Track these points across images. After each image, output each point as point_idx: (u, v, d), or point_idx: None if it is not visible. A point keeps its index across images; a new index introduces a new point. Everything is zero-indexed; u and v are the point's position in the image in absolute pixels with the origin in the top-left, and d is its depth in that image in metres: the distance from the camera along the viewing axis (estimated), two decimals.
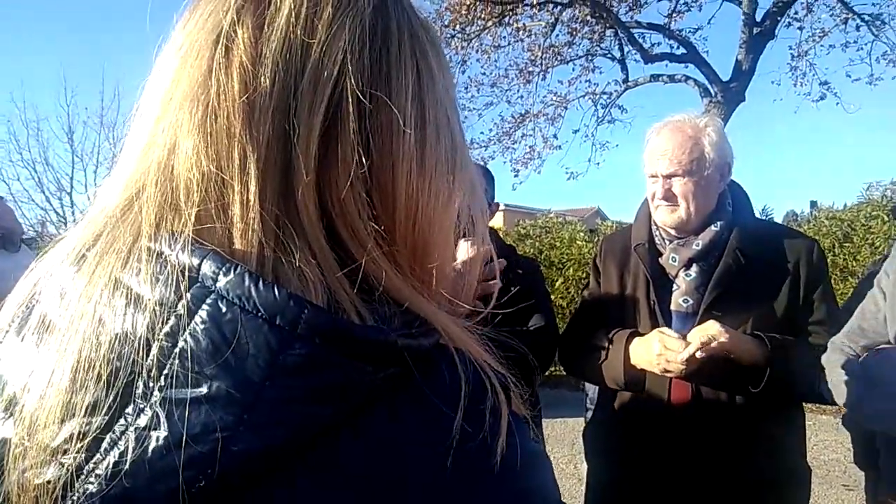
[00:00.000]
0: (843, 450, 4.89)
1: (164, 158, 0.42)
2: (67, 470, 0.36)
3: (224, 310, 0.36)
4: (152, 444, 0.35)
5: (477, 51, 10.38)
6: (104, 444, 0.36)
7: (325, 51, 0.42)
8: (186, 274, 0.37)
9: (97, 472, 0.35)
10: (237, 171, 0.40)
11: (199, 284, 0.37)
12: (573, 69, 10.81)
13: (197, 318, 0.36)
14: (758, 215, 1.81)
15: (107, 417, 0.36)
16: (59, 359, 0.38)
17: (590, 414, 3.13)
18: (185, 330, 0.36)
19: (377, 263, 0.42)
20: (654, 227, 1.70)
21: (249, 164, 0.40)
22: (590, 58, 10.58)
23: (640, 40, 9.98)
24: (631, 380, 1.61)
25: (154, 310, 0.37)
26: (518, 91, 10.98)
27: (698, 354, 1.45)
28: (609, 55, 10.54)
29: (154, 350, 0.36)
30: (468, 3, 9.29)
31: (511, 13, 9.80)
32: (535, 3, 9.30)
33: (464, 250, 0.67)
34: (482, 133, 11.32)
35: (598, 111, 10.92)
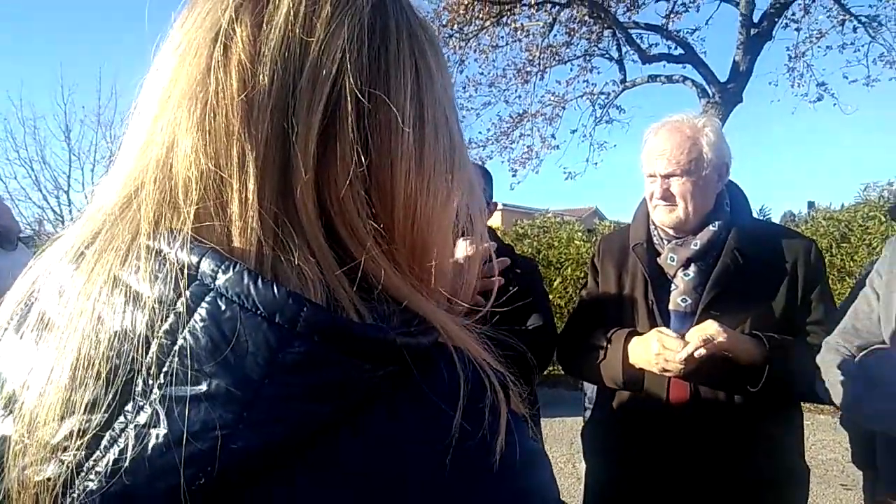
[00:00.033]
0: (841, 449, 4.90)
1: (162, 156, 0.42)
2: (67, 467, 0.36)
3: (223, 308, 0.36)
4: (152, 442, 0.35)
5: (475, 50, 10.40)
6: (104, 442, 0.36)
7: (324, 49, 0.42)
8: (185, 272, 0.37)
9: (97, 469, 0.35)
10: (236, 169, 0.40)
11: (198, 282, 0.37)
12: (571, 69, 10.85)
13: (196, 316, 0.36)
14: (755, 216, 1.81)
15: (106, 415, 0.36)
16: (58, 356, 0.38)
17: (588, 413, 3.13)
18: (184, 328, 0.36)
19: (376, 262, 0.42)
20: (652, 227, 1.71)
21: (248, 163, 0.40)
22: (588, 58, 10.60)
23: (638, 41, 10.01)
24: (629, 379, 1.61)
25: (153, 307, 0.37)
26: (516, 91, 11.01)
27: (697, 354, 1.45)
28: (607, 55, 10.56)
29: (153, 348, 0.36)
30: (466, 2, 9.30)
31: (509, 13, 9.81)
32: (532, 3, 9.31)
33: (462, 249, 0.67)
34: (480, 133, 11.39)
35: (596, 111, 10.95)
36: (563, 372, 1.96)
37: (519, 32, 10.08)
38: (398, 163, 0.44)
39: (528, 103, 11.02)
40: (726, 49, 11.38)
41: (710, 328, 1.46)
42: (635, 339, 1.61)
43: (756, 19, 9.21)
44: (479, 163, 4.32)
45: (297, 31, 0.42)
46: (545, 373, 3.65)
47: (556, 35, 10.22)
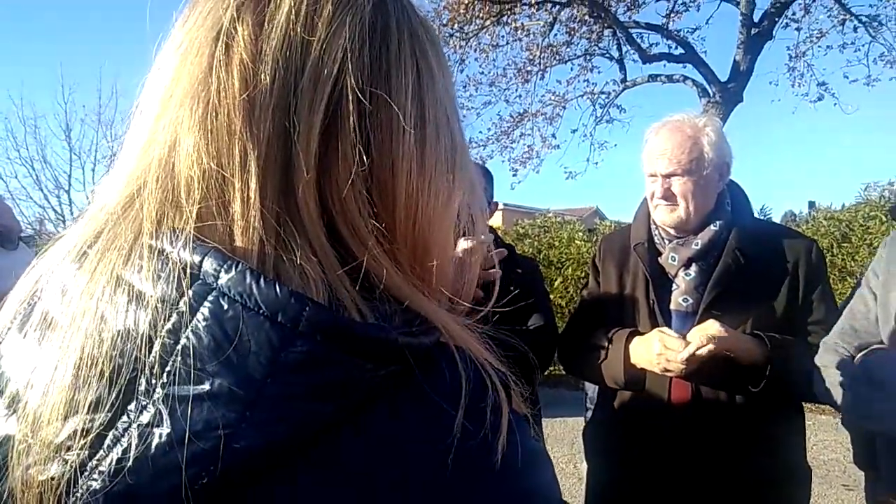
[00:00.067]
0: (842, 450, 4.90)
1: (164, 156, 0.42)
2: (71, 466, 0.36)
3: (226, 307, 0.36)
4: (155, 441, 0.35)
5: (475, 50, 10.40)
6: (107, 441, 0.36)
7: (325, 48, 0.42)
8: (188, 271, 0.37)
9: (100, 468, 0.35)
10: (238, 168, 0.40)
11: (200, 282, 0.37)
12: (571, 69, 10.85)
13: (199, 316, 0.36)
14: (756, 215, 1.81)
15: (110, 414, 0.36)
16: (61, 356, 0.38)
17: (589, 413, 3.13)
18: (187, 327, 0.36)
19: (378, 261, 0.42)
20: (653, 227, 1.71)
21: (250, 162, 0.40)
22: (588, 57, 10.60)
23: (639, 40, 10.00)
24: (631, 379, 1.61)
25: (156, 307, 0.37)
26: (516, 90, 11.01)
27: (698, 354, 1.45)
28: (607, 55, 10.56)
29: (156, 347, 0.36)
30: (466, 2, 9.30)
31: (509, 12, 9.80)
32: (533, 2, 9.31)
33: (462, 245, 0.67)
34: (480, 132, 11.38)
35: (597, 111, 10.95)
36: (564, 372, 1.96)
37: (519, 32, 10.07)
38: (399, 162, 0.44)
39: (528, 103, 11.04)
40: (727, 48, 11.36)
41: (711, 328, 1.46)
42: (637, 339, 1.61)
43: (756, 19, 9.20)
44: (480, 162, 4.32)
45: (299, 30, 0.42)
46: (546, 373, 3.65)
47: (556, 34, 10.23)
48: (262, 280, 0.36)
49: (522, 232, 8.71)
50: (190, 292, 0.37)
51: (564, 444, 5.13)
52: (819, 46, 9.68)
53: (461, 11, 9.45)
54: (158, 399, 0.36)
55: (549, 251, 7.99)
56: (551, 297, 4.94)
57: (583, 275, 7.06)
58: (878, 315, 1.40)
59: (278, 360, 0.35)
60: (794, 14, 9.46)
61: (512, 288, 1.28)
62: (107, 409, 0.36)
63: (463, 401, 0.39)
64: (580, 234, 8.07)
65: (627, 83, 10.58)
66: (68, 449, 0.36)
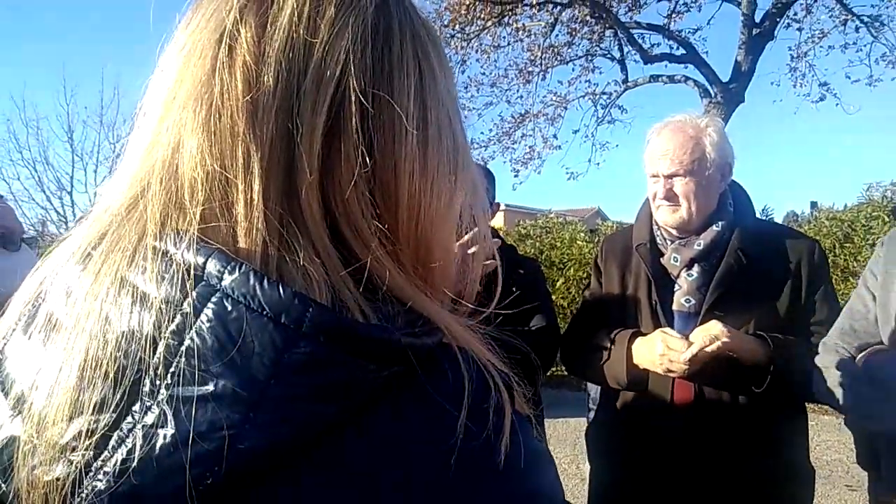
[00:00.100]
0: (845, 450, 4.88)
1: (168, 157, 0.42)
2: (76, 467, 0.36)
3: (229, 308, 0.36)
4: (160, 442, 0.35)
5: (476, 51, 10.40)
6: (112, 442, 0.36)
7: (328, 50, 0.42)
8: (192, 272, 0.38)
9: (105, 469, 0.36)
10: (241, 170, 0.41)
11: (204, 283, 0.37)
12: (573, 69, 10.85)
13: (203, 317, 0.36)
14: (758, 216, 1.81)
15: (114, 415, 0.36)
16: (66, 357, 0.39)
17: (592, 414, 3.13)
18: (191, 328, 0.36)
19: (380, 262, 0.42)
20: (655, 227, 1.70)
21: (253, 163, 0.40)
22: (589, 58, 10.60)
23: (640, 41, 10.00)
24: (633, 380, 1.61)
25: (160, 308, 0.37)
26: (518, 91, 11.01)
27: (701, 354, 1.45)
28: (609, 55, 10.56)
29: (160, 348, 0.36)
30: (468, 2, 9.30)
31: (510, 13, 9.81)
32: (534, 3, 9.31)
33: (465, 248, 0.67)
34: (482, 133, 11.35)
35: (598, 111, 10.95)
36: (566, 373, 1.96)
37: (520, 32, 10.08)
38: (402, 164, 0.44)
39: (529, 103, 11.04)
40: (728, 49, 11.35)
41: (714, 328, 1.46)
42: (639, 339, 1.61)
43: (758, 19, 9.19)
44: (482, 163, 4.31)
45: (301, 32, 0.42)
46: (549, 374, 3.65)
47: (557, 35, 10.23)
48: (265, 281, 0.37)
49: (524, 233, 8.70)
50: (194, 294, 0.37)
51: (567, 444, 5.13)
52: (821, 46, 9.69)
53: (462, 12, 9.46)
54: (163, 400, 0.36)
55: (550, 252, 7.99)
56: (553, 297, 4.93)
57: (585, 275, 7.05)
58: (878, 315, 1.40)
59: (282, 361, 0.35)
60: (795, 14, 9.47)
61: (514, 289, 1.28)
62: (111, 409, 0.36)
63: (466, 401, 0.39)
64: (582, 234, 8.06)
65: (629, 84, 10.58)
66: (73, 450, 0.36)
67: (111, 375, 0.37)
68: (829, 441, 5.21)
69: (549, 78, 10.99)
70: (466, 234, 0.52)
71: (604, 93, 10.86)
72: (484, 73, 11.00)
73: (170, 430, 0.35)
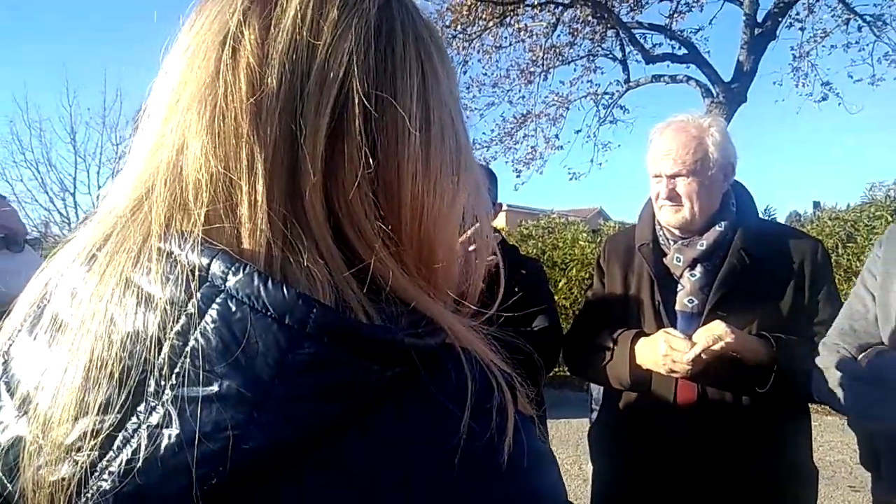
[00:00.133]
0: (849, 451, 4.87)
1: (172, 159, 0.42)
2: (81, 467, 0.36)
3: (234, 309, 0.36)
4: (164, 442, 0.35)
5: (478, 51, 10.40)
6: (117, 442, 0.36)
7: (331, 52, 0.42)
8: (196, 273, 0.38)
9: (111, 469, 0.36)
10: (245, 171, 0.41)
11: (208, 284, 0.37)
12: (575, 69, 10.85)
13: (207, 318, 0.36)
14: (761, 216, 1.81)
15: (119, 415, 0.37)
16: (71, 357, 0.39)
17: (595, 415, 3.12)
18: (195, 329, 0.36)
19: (384, 263, 0.43)
20: (658, 227, 1.70)
21: (257, 165, 0.41)
22: (591, 58, 10.60)
23: (642, 41, 9.99)
24: (636, 380, 1.60)
25: (165, 309, 0.37)
26: (520, 91, 11.01)
27: (704, 354, 1.45)
28: (610, 55, 10.55)
29: (165, 349, 0.37)
30: (469, 3, 9.31)
31: (512, 14, 9.81)
32: (536, 3, 9.31)
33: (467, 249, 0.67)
34: (484, 133, 11.35)
35: (600, 111, 10.94)
36: (569, 373, 1.96)
37: (522, 33, 10.08)
38: (405, 164, 0.44)
39: (531, 104, 11.04)
40: (730, 49, 11.36)
41: (717, 329, 1.46)
42: (642, 339, 1.60)
43: (760, 19, 9.17)
44: (484, 163, 4.32)
45: (305, 34, 0.42)
46: (551, 374, 3.65)
47: (559, 35, 10.24)
48: (269, 282, 0.37)
49: (526, 233, 8.70)
50: (198, 294, 0.37)
51: (569, 445, 5.12)
52: (823, 46, 9.67)
53: (464, 13, 9.47)
54: (167, 400, 0.36)
55: (553, 252, 7.99)
56: (556, 298, 4.94)
57: (587, 276, 7.05)
58: (878, 316, 1.40)
59: (286, 361, 0.36)
60: (797, 14, 9.45)
61: (516, 290, 1.28)
62: (116, 410, 0.37)
63: (469, 402, 0.39)
64: (584, 234, 8.05)
65: (631, 84, 10.57)
66: (78, 450, 0.37)
67: (116, 376, 0.37)
68: (833, 442, 5.20)
69: (551, 78, 10.97)
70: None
71: (606, 93, 10.86)
72: (486, 74, 11.02)
73: (174, 431, 0.35)
